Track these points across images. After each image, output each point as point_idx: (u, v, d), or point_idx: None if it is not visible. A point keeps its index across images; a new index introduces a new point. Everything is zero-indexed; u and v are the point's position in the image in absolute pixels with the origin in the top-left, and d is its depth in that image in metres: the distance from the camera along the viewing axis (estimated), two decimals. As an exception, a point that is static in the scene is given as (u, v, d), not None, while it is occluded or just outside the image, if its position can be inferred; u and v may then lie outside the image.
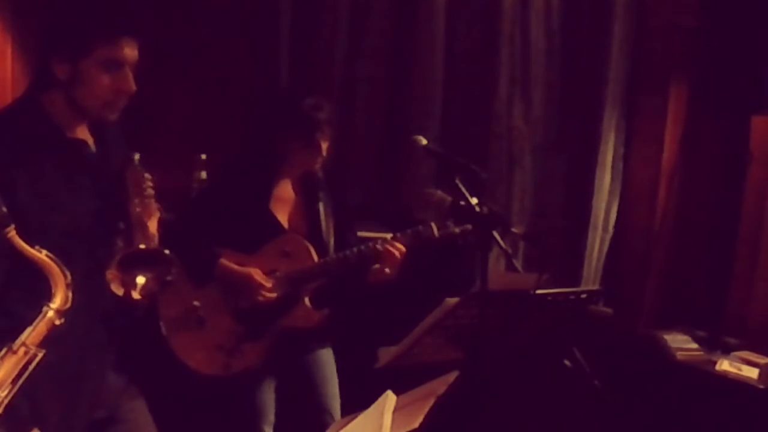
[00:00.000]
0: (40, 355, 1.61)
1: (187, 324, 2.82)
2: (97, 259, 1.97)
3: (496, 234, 2.32)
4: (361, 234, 3.09)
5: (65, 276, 1.62)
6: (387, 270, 2.75)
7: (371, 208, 3.68)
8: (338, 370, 2.99)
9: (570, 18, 3.73)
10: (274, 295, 2.77)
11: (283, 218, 2.87)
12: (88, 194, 2.01)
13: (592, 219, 3.76)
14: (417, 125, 3.56)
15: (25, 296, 1.73)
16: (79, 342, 1.98)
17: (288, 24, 3.68)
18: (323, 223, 2.91)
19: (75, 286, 1.85)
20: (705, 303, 3.63)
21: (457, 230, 2.74)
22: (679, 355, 3.36)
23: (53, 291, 1.62)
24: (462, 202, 2.32)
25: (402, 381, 2.04)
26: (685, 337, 3.47)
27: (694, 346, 3.41)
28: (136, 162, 2.01)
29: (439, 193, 2.33)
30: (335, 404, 2.94)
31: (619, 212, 3.84)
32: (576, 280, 3.74)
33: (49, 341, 1.67)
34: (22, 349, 1.59)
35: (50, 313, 1.61)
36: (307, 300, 2.83)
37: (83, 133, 2.05)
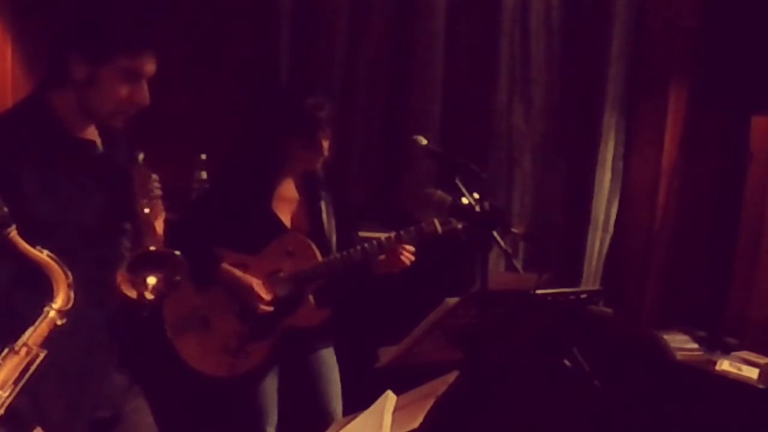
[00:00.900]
0: (42, 355, 1.61)
1: (191, 326, 2.82)
2: (103, 259, 1.98)
3: (496, 234, 2.32)
4: (362, 234, 3.09)
5: (67, 276, 1.62)
6: (397, 265, 2.78)
7: (371, 208, 3.68)
8: (339, 370, 2.99)
9: (570, 18, 3.73)
10: (270, 308, 2.77)
11: (285, 217, 2.87)
12: (95, 194, 2.01)
13: (592, 219, 3.76)
14: (417, 125, 3.56)
15: (31, 296, 1.73)
16: (85, 341, 1.98)
17: (288, 24, 3.68)
18: (325, 222, 2.91)
19: (81, 285, 1.86)
20: (705, 303, 3.63)
21: (459, 225, 2.74)
22: (679, 355, 3.36)
23: (55, 291, 1.61)
24: (463, 201, 2.32)
25: (402, 381, 2.04)
26: (685, 337, 3.47)
27: (694, 346, 3.41)
28: (140, 161, 2.01)
29: (439, 192, 2.33)
30: (337, 404, 2.95)
31: (619, 212, 3.84)
32: (576, 280, 3.74)
33: (54, 340, 1.67)
34: (24, 350, 1.59)
35: (52, 314, 1.61)
36: (311, 299, 2.83)
37: (91, 133, 2.05)
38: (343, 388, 2.98)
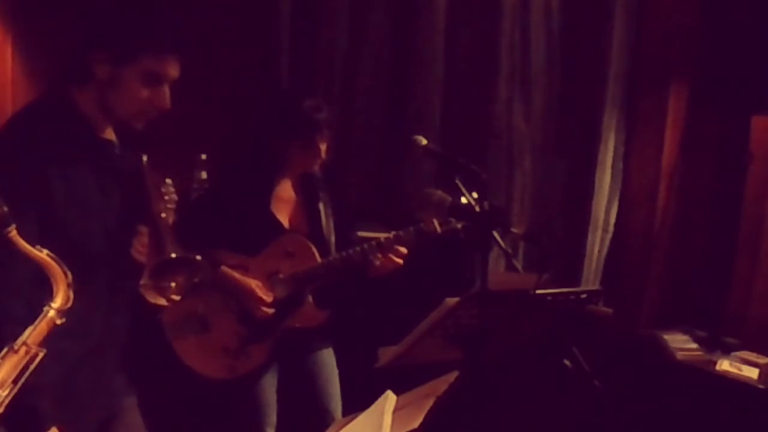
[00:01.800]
0: (41, 354, 1.61)
1: (191, 328, 2.81)
2: (121, 261, 1.99)
3: (496, 234, 2.32)
4: (361, 234, 3.09)
5: (66, 275, 1.62)
6: (388, 267, 2.77)
7: (371, 208, 3.67)
8: (338, 370, 2.99)
9: (570, 18, 3.73)
10: (271, 311, 2.77)
11: (284, 218, 2.87)
12: (116, 196, 2.02)
13: (592, 219, 3.76)
14: (417, 125, 3.56)
15: (50, 288, 1.73)
16: (95, 342, 2.00)
17: (288, 24, 3.68)
18: (324, 222, 2.91)
19: (99, 287, 1.91)
20: (705, 303, 3.64)
21: (458, 225, 2.74)
22: (679, 355, 3.36)
23: (54, 290, 1.61)
24: (462, 201, 2.32)
25: (402, 381, 2.04)
26: (685, 337, 3.47)
27: (694, 346, 3.41)
28: (144, 164, 2.01)
29: (439, 192, 2.33)
30: (336, 405, 2.95)
31: (619, 212, 3.84)
32: (576, 280, 3.74)
33: (67, 339, 1.69)
34: (23, 349, 1.59)
35: (51, 313, 1.61)
36: (310, 299, 2.83)
37: (110, 134, 2.04)
38: (343, 388, 2.98)
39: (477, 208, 2.27)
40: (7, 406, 1.57)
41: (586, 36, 3.73)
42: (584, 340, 2.47)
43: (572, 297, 2.46)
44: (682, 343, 3.42)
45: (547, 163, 3.80)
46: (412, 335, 2.26)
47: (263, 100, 3.49)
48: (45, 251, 1.60)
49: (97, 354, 2.02)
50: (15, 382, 1.59)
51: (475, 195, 2.31)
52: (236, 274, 2.77)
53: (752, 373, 3.18)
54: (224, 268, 2.77)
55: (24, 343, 1.59)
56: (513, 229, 2.69)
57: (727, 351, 3.38)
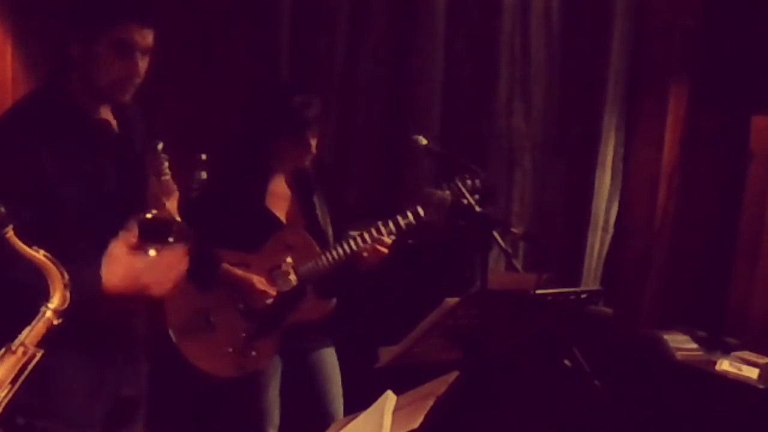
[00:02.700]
0: (39, 355, 1.61)
1: (196, 329, 2.80)
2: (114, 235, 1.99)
3: (496, 234, 2.32)
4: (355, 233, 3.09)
5: (63, 276, 1.61)
6: (375, 258, 2.79)
7: (371, 208, 3.67)
8: (339, 371, 2.99)
9: (570, 18, 3.73)
10: (271, 302, 2.77)
11: (280, 213, 2.88)
12: (111, 175, 2.05)
13: (592, 219, 3.76)
14: (417, 125, 3.56)
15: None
16: (106, 323, 2.01)
17: (288, 23, 3.68)
18: (320, 215, 2.91)
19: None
20: (705, 303, 3.63)
21: (446, 194, 2.74)
22: (679, 355, 3.36)
23: (51, 291, 1.60)
24: (463, 201, 2.32)
25: (402, 381, 2.04)
26: (685, 337, 3.47)
27: (694, 346, 3.41)
28: (159, 150, 2.03)
29: (439, 192, 2.33)
30: (338, 405, 2.95)
31: (619, 212, 3.84)
32: (576, 280, 3.74)
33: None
34: (21, 349, 1.59)
35: (48, 313, 1.60)
36: (312, 291, 2.84)
37: (107, 114, 2.09)
38: (343, 388, 2.98)
39: (477, 209, 2.27)
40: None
41: (586, 36, 3.73)
42: (584, 340, 2.47)
43: (572, 297, 2.47)
44: (682, 343, 3.42)
45: (547, 163, 3.80)
46: (412, 335, 2.27)
47: (252, 99, 3.48)
48: (41, 252, 1.59)
49: (106, 342, 2.04)
50: (13, 382, 1.59)
51: (476, 195, 2.31)
52: (238, 271, 2.77)
53: (752, 373, 3.17)
54: (226, 265, 2.77)
55: (22, 344, 1.59)
56: (513, 229, 2.69)
57: (727, 351, 3.37)
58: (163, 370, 2.75)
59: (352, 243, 2.79)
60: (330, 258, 2.80)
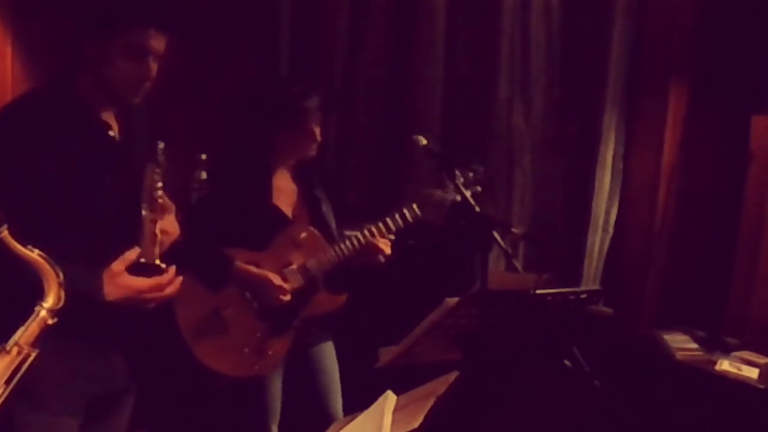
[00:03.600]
0: (33, 355, 1.61)
1: (210, 330, 2.78)
2: (119, 241, 2.00)
3: (496, 234, 2.32)
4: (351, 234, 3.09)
5: (57, 275, 1.61)
6: (372, 258, 2.80)
7: (371, 208, 3.67)
8: (339, 370, 2.99)
9: (570, 18, 3.72)
10: (289, 297, 2.77)
11: (286, 209, 2.87)
12: (111, 179, 2.05)
13: (592, 219, 3.76)
14: (417, 125, 3.56)
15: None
16: (87, 322, 1.99)
17: (288, 24, 3.68)
18: (324, 209, 2.92)
19: (96, 266, 1.91)
20: (705, 303, 3.63)
21: (440, 192, 2.74)
22: (679, 355, 3.36)
23: (45, 290, 1.61)
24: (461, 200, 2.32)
25: (402, 381, 2.04)
26: (685, 337, 3.47)
27: (694, 346, 3.41)
28: (160, 150, 2.02)
29: (439, 192, 2.33)
30: (337, 398, 2.95)
31: (619, 212, 3.84)
32: (576, 280, 3.74)
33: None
34: (15, 349, 1.59)
35: (43, 313, 1.61)
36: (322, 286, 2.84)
37: (109, 117, 2.10)
38: (343, 388, 2.98)
39: (477, 208, 2.27)
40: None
41: (586, 36, 3.73)
42: (584, 340, 2.47)
43: (572, 297, 2.46)
44: (682, 343, 3.42)
45: (547, 163, 3.80)
46: (412, 335, 2.26)
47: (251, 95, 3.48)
48: (36, 251, 1.60)
49: (98, 332, 2.04)
50: (7, 382, 1.60)
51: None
52: (251, 268, 2.75)
53: (752, 373, 3.17)
54: (239, 263, 2.76)
55: (16, 344, 1.59)
56: (513, 229, 2.69)
57: (727, 351, 3.37)
58: (166, 366, 2.76)
59: (359, 236, 2.79)
60: (340, 252, 2.80)
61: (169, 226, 2.05)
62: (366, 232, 2.79)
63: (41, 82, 2.17)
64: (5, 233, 1.56)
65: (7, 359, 1.59)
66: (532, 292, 2.22)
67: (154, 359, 2.32)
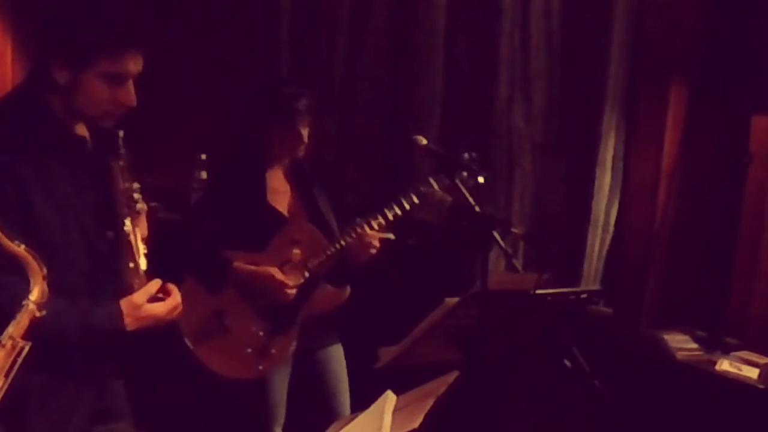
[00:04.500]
0: (27, 347, 1.65)
1: (212, 333, 2.78)
2: (98, 257, 1.98)
3: (496, 234, 2.33)
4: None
5: (41, 269, 1.67)
6: (365, 255, 2.80)
7: (371, 208, 3.67)
8: (345, 367, 2.99)
9: (570, 18, 3.72)
10: (294, 291, 2.76)
11: (282, 208, 2.87)
12: (89, 193, 2.01)
13: (592, 219, 3.75)
14: (417, 125, 3.56)
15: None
16: (79, 361, 1.98)
17: (288, 24, 3.68)
18: (322, 206, 2.92)
19: (77, 285, 1.92)
20: (705, 303, 3.63)
21: (435, 187, 2.74)
22: (679, 355, 3.36)
23: (31, 284, 1.66)
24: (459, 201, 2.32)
25: (402, 381, 2.04)
26: (685, 337, 3.46)
27: (694, 346, 3.41)
28: (120, 141, 1.97)
29: (440, 192, 2.34)
30: (345, 401, 2.95)
31: (619, 212, 3.83)
32: (576, 280, 3.74)
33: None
34: (10, 342, 1.64)
35: (31, 306, 1.66)
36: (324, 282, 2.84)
37: (82, 130, 2.03)
38: (343, 387, 2.99)
39: (477, 208, 2.27)
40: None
41: (586, 36, 3.73)
42: (584, 340, 2.47)
43: (572, 297, 2.47)
44: (682, 343, 3.41)
45: (547, 163, 3.80)
46: (411, 335, 2.27)
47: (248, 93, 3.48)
48: (23, 246, 1.63)
49: (90, 365, 2.01)
50: (6, 375, 1.64)
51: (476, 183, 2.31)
52: (251, 267, 2.76)
53: (752, 373, 3.17)
54: (238, 264, 2.76)
55: (10, 337, 1.64)
56: (513, 229, 2.69)
57: (727, 351, 3.37)
58: (169, 369, 2.76)
59: (356, 228, 2.79)
60: (338, 246, 2.80)
61: (143, 230, 2.04)
62: (362, 223, 2.79)
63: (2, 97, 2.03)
64: None
65: (2, 352, 1.64)
66: (532, 292, 2.22)
67: (153, 362, 2.32)
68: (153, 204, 2.27)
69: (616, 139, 3.78)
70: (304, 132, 2.80)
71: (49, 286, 1.67)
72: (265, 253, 2.80)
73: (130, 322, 1.91)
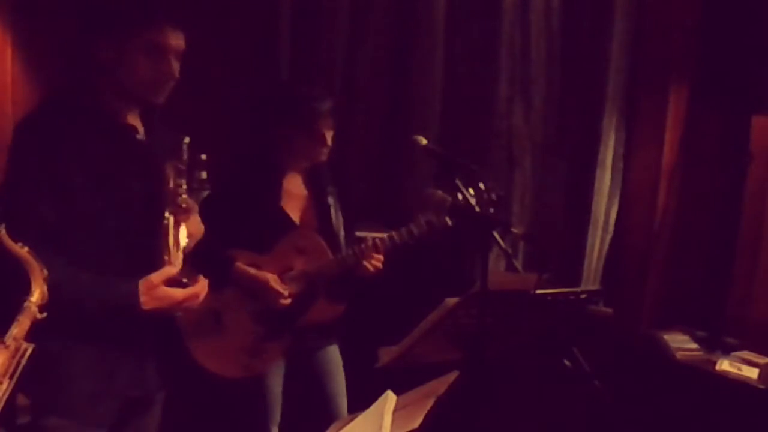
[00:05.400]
0: (30, 349, 1.65)
1: (206, 329, 2.78)
2: (145, 247, 2.02)
3: (496, 234, 2.32)
4: (361, 234, 3.08)
5: (42, 271, 1.68)
6: (372, 269, 2.79)
7: (371, 208, 3.68)
8: (342, 368, 2.99)
9: (570, 18, 3.72)
10: (289, 301, 2.76)
11: (294, 214, 2.86)
12: (138, 181, 2.05)
13: (592, 219, 3.76)
14: (417, 125, 3.56)
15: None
16: (122, 326, 2.03)
17: (288, 24, 3.67)
18: (334, 218, 2.90)
19: (110, 263, 1.98)
20: (705, 303, 3.63)
21: (447, 221, 2.75)
22: (679, 355, 3.36)
23: (32, 286, 1.67)
24: (460, 200, 2.32)
25: (402, 381, 2.04)
26: (685, 337, 3.47)
27: (694, 346, 3.41)
28: (185, 146, 2.02)
29: (440, 192, 2.33)
30: (342, 402, 2.94)
31: (619, 212, 3.84)
32: (576, 280, 3.74)
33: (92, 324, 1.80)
34: (13, 344, 1.63)
35: (32, 307, 1.66)
36: (323, 295, 2.83)
37: (134, 119, 2.10)
38: (343, 387, 2.98)
39: (477, 209, 2.27)
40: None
41: (586, 36, 3.73)
42: (584, 340, 2.47)
43: (572, 297, 2.46)
44: (682, 343, 3.42)
45: (547, 163, 3.80)
46: (412, 335, 2.27)
47: (262, 96, 3.48)
48: (25, 248, 1.64)
49: (115, 334, 2.05)
50: (11, 377, 1.63)
51: (472, 191, 2.31)
52: (251, 270, 2.75)
53: (752, 373, 3.18)
54: (239, 265, 2.75)
55: (13, 338, 1.64)
56: (513, 229, 2.69)
57: (727, 351, 3.37)
58: (165, 367, 2.75)
59: (362, 246, 2.78)
60: (341, 261, 2.79)
61: (193, 227, 2.08)
62: (368, 241, 2.79)
63: (53, 90, 2.16)
64: (2, 232, 1.60)
65: (6, 353, 1.64)
66: (532, 292, 2.22)
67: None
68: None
69: (616, 139, 3.78)
70: (328, 134, 2.79)
71: (81, 260, 1.77)
72: (269, 256, 2.80)
73: (145, 301, 1.93)
